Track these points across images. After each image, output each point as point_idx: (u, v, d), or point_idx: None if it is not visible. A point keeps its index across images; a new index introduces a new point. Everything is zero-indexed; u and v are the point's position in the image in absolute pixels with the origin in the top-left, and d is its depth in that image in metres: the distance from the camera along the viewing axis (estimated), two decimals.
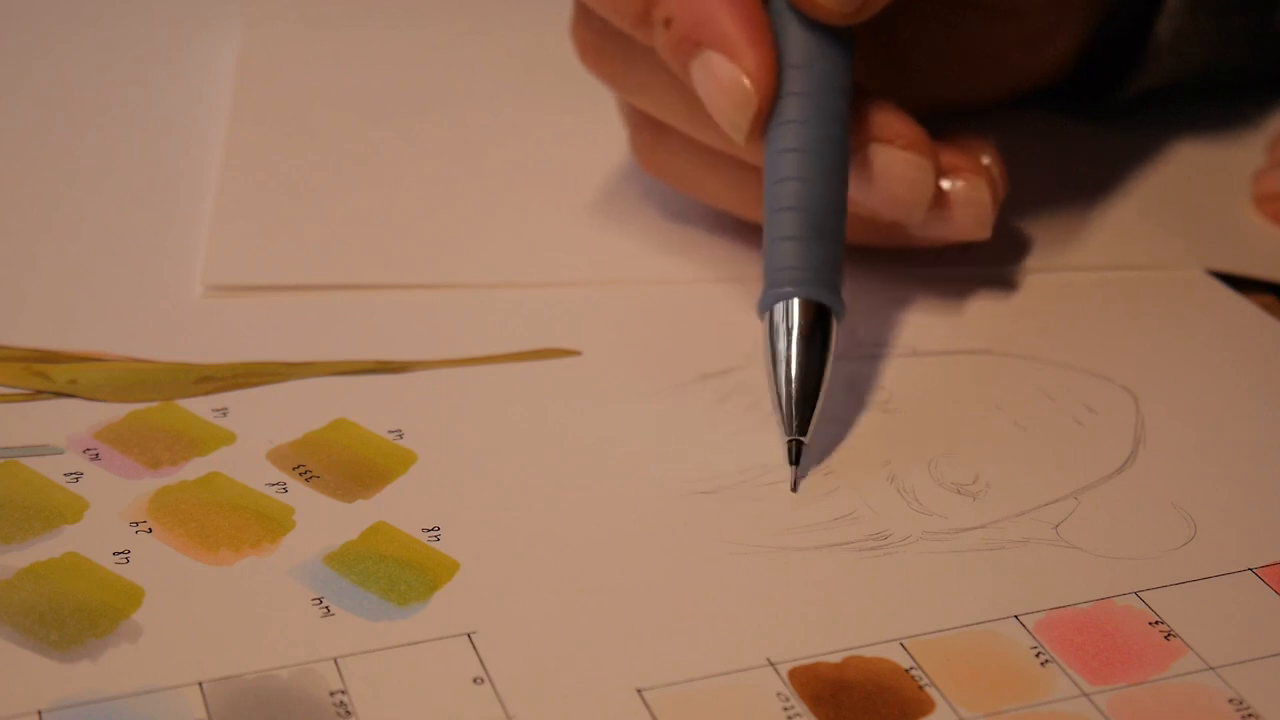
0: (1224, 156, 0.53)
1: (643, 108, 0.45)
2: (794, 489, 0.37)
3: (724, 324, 0.43)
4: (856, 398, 0.40)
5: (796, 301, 0.38)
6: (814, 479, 0.37)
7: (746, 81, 0.39)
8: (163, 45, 0.58)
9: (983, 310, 0.44)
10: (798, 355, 0.38)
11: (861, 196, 0.42)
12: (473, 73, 0.57)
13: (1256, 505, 0.37)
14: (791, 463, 0.37)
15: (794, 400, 0.37)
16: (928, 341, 0.43)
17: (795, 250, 0.39)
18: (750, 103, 0.39)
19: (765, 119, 0.40)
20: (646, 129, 0.45)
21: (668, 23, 0.41)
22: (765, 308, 0.38)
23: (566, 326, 0.43)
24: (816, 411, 0.37)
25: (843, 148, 0.40)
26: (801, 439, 0.37)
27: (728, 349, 0.42)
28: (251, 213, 0.47)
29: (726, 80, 0.40)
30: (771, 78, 0.40)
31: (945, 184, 0.42)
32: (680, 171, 0.45)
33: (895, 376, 0.41)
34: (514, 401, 0.40)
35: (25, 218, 0.47)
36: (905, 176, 0.41)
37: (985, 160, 0.43)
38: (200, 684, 0.31)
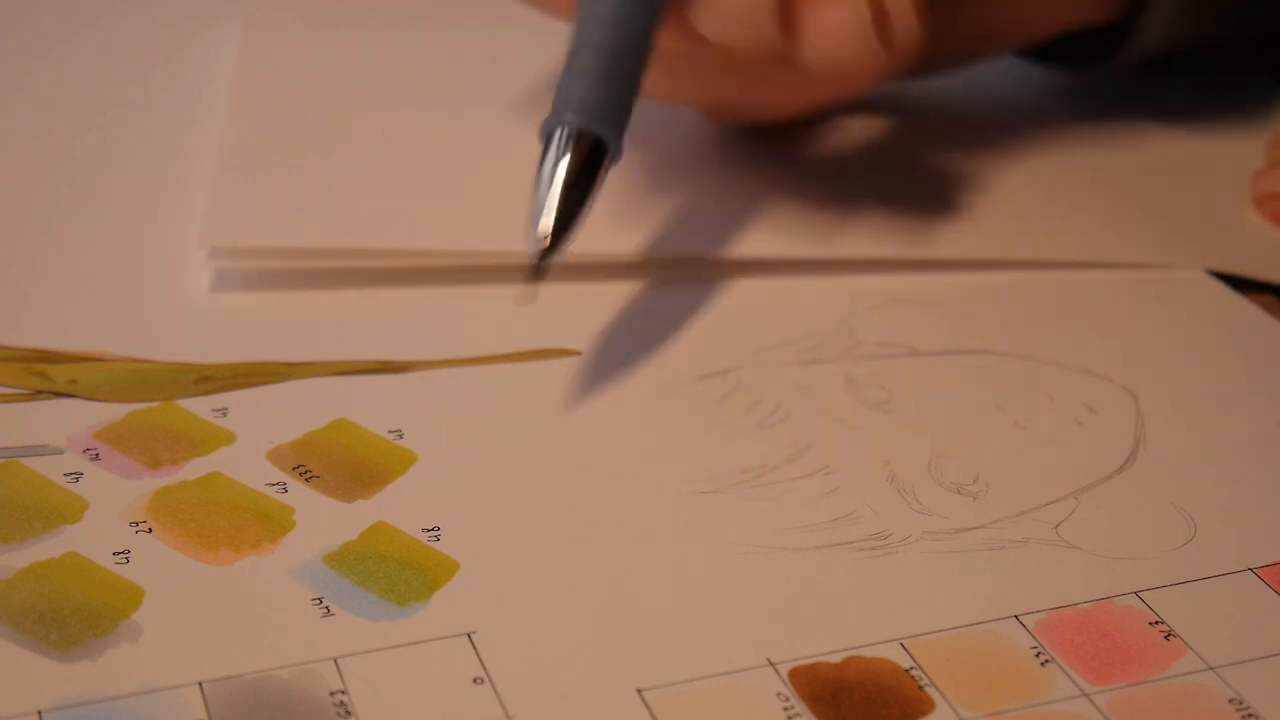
0: (1224, 156, 0.53)
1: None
2: (525, 302, 0.38)
3: (724, 324, 0.43)
4: (856, 398, 0.40)
5: (575, 129, 0.39)
6: (814, 479, 0.37)
7: None
8: (162, 45, 0.58)
9: (983, 310, 0.44)
10: (564, 175, 0.38)
11: (709, 33, 0.41)
12: (473, 66, 0.57)
13: (1256, 505, 0.37)
14: (533, 277, 0.38)
15: (551, 214, 0.38)
16: (928, 341, 0.43)
17: (587, 84, 0.39)
18: None
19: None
20: None
21: None
22: (545, 129, 0.39)
23: (566, 326, 0.43)
24: (567, 235, 0.38)
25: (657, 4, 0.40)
26: (548, 253, 0.38)
27: (728, 349, 0.42)
28: (251, 179, 0.47)
29: None
30: None
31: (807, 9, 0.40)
32: None
33: (895, 376, 0.41)
34: (514, 401, 0.40)
35: (25, 218, 0.47)
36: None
37: None
38: (200, 684, 0.31)
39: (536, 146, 0.39)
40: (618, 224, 0.46)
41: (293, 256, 0.44)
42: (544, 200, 0.38)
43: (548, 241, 0.38)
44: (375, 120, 0.52)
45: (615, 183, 0.45)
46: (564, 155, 0.38)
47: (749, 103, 0.44)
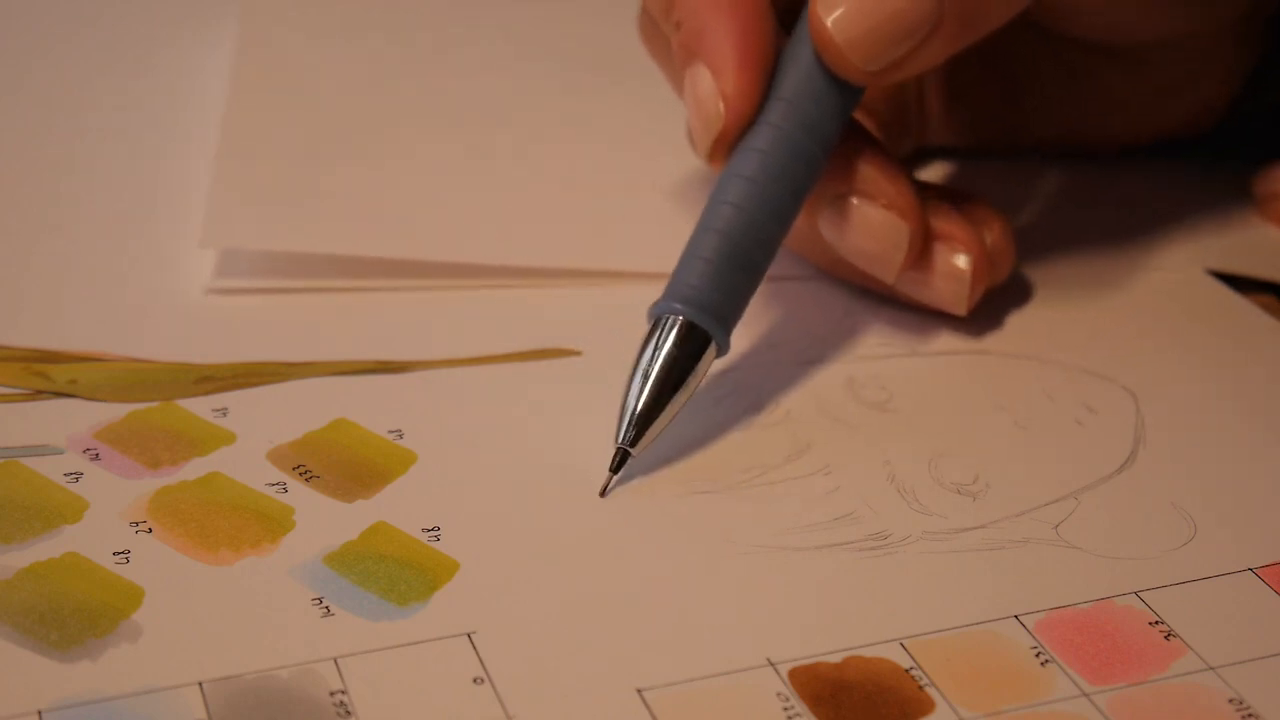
0: (1224, 156, 0.53)
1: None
2: (602, 494, 0.36)
3: None
4: (856, 398, 0.40)
5: (681, 320, 0.37)
6: (814, 479, 0.37)
7: (720, 103, 0.39)
8: (162, 45, 0.58)
9: (983, 310, 0.44)
10: (659, 371, 0.37)
11: (834, 243, 0.42)
12: (474, 69, 0.57)
13: (1256, 505, 0.37)
14: (611, 470, 0.37)
15: (635, 413, 0.37)
16: (928, 341, 0.43)
17: (705, 272, 0.38)
18: (716, 124, 0.39)
19: (729, 144, 0.39)
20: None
21: (678, 25, 0.41)
22: (652, 316, 0.38)
23: (566, 326, 0.43)
24: (653, 431, 0.37)
25: (797, 191, 0.39)
26: (629, 450, 0.37)
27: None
28: (251, 180, 0.47)
29: (704, 95, 0.39)
30: (746, 105, 0.39)
31: (938, 251, 0.42)
32: None
33: (895, 376, 0.41)
34: (514, 401, 0.40)
35: (25, 217, 0.47)
36: (877, 234, 0.41)
37: (987, 238, 0.42)
38: (200, 684, 0.31)
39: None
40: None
41: (292, 260, 0.44)
42: (630, 399, 0.37)
43: (632, 435, 0.37)
44: (375, 119, 0.52)
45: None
46: (664, 346, 0.37)
47: (848, 279, 0.45)
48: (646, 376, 0.37)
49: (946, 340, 0.43)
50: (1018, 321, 0.44)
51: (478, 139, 0.52)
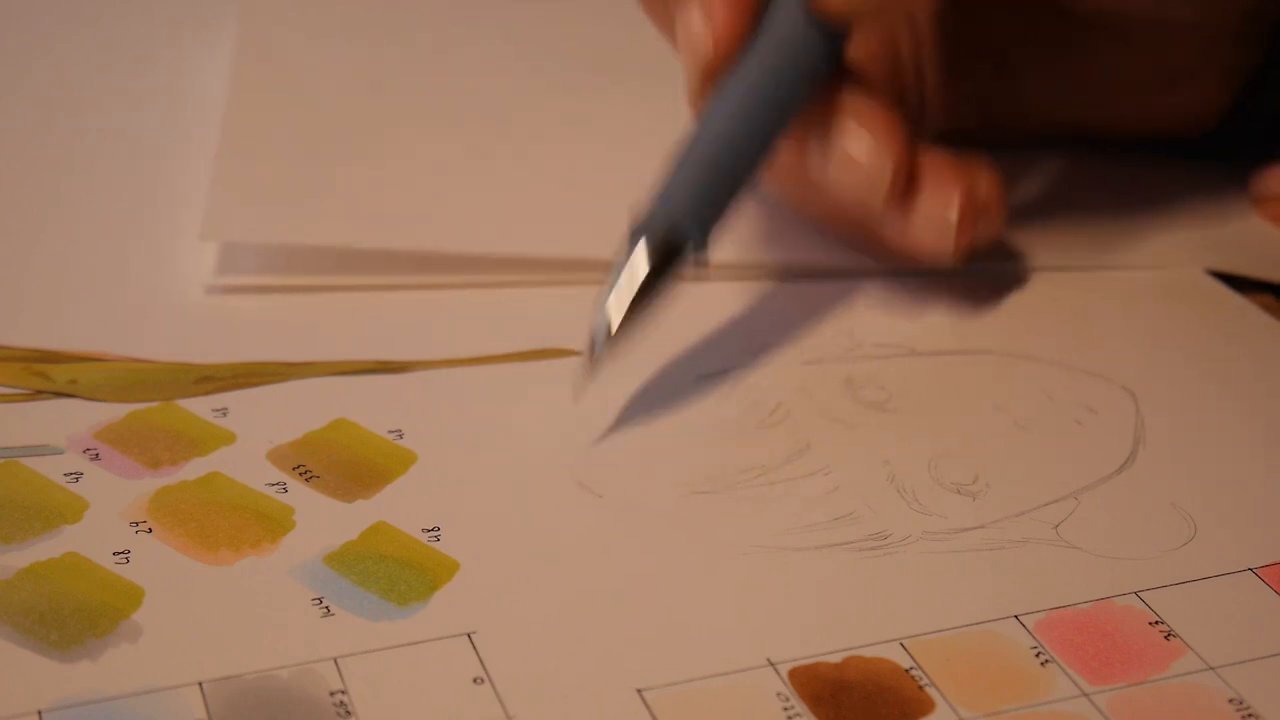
0: (1224, 156, 0.53)
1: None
2: (578, 396, 0.38)
3: (724, 324, 0.43)
4: (856, 398, 0.40)
5: (662, 227, 0.39)
6: (814, 479, 0.37)
7: (710, 40, 0.40)
8: (162, 45, 0.58)
9: (983, 310, 0.44)
10: (639, 275, 0.38)
11: (819, 176, 0.42)
12: (475, 61, 0.57)
13: (1256, 505, 0.37)
14: (586, 367, 0.38)
15: (610, 309, 0.38)
16: (928, 341, 0.43)
17: (685, 183, 0.39)
18: (703, 58, 0.40)
19: (713, 78, 0.40)
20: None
21: None
22: (632, 224, 0.39)
23: (566, 326, 0.43)
24: (628, 332, 0.38)
25: (776, 120, 0.40)
26: (606, 348, 0.38)
27: (728, 349, 0.42)
28: (251, 173, 0.47)
29: (694, 32, 0.40)
30: (730, 40, 0.40)
31: (924, 195, 0.42)
32: None
33: (895, 376, 0.41)
34: (514, 401, 0.40)
35: (25, 217, 0.47)
36: (860, 156, 0.41)
37: (980, 186, 0.42)
38: (200, 684, 0.31)
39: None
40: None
41: (292, 255, 0.44)
42: (612, 295, 0.38)
43: (608, 335, 0.38)
44: (375, 111, 0.52)
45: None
46: (641, 251, 0.39)
47: (836, 230, 0.45)
48: (624, 278, 0.38)
49: (946, 340, 0.43)
50: (1018, 321, 0.44)
51: (477, 135, 0.52)
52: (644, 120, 0.52)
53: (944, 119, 0.50)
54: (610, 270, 0.39)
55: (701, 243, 0.39)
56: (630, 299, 0.38)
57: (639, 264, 0.39)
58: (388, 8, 0.61)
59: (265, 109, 0.52)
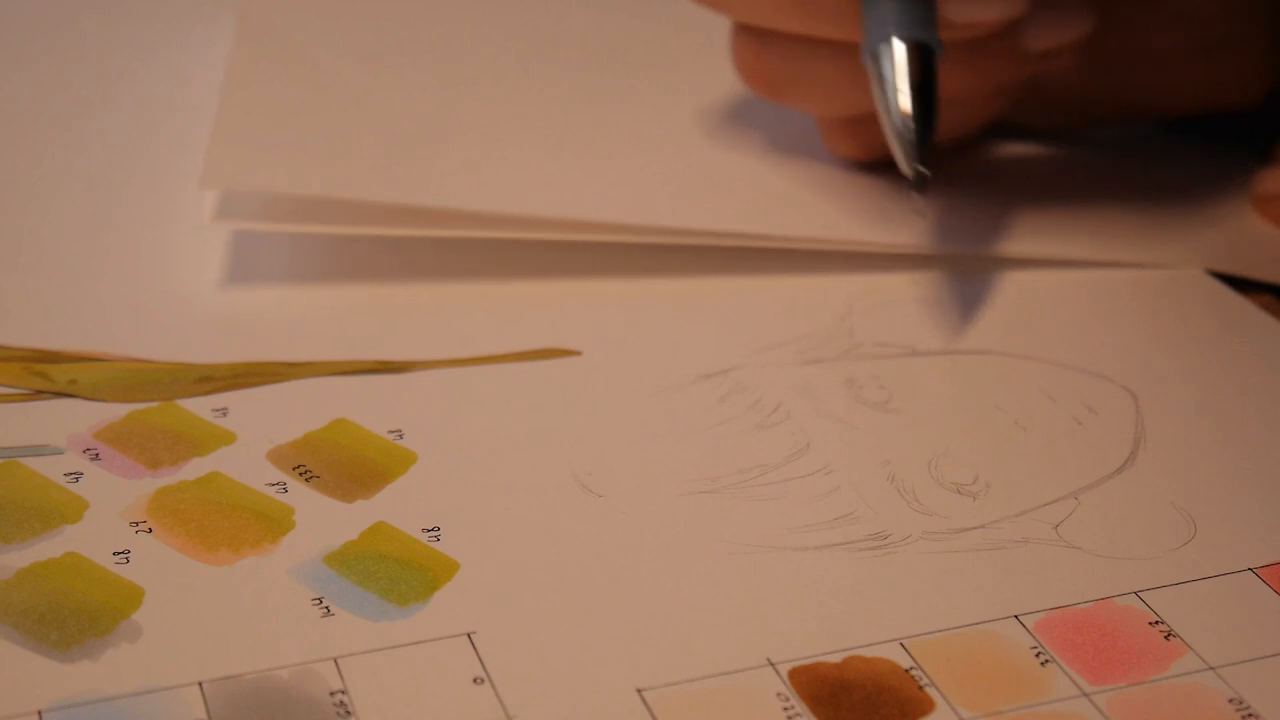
0: (1224, 156, 0.53)
1: (742, 18, 0.46)
2: (922, 214, 0.42)
3: (724, 324, 0.43)
4: (856, 398, 0.40)
5: (907, 39, 0.41)
6: (814, 479, 0.37)
7: None
8: (162, 45, 0.58)
9: (983, 310, 0.44)
10: (913, 83, 0.41)
11: None
12: (483, 19, 0.57)
13: (1256, 505, 0.37)
14: (916, 190, 0.40)
15: (913, 129, 0.41)
16: (928, 341, 0.43)
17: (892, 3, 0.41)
18: None
19: None
20: (751, 41, 0.46)
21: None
22: (874, 48, 0.41)
23: (566, 326, 0.43)
24: (933, 135, 0.40)
25: None
26: (921, 169, 0.40)
27: (728, 349, 0.42)
28: (253, 124, 0.48)
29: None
30: None
31: None
32: (790, 78, 0.46)
33: (895, 376, 0.41)
34: (514, 401, 0.40)
35: (25, 217, 0.47)
36: None
37: None
38: (200, 684, 0.31)
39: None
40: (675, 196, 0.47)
41: (296, 204, 0.44)
42: (903, 112, 0.41)
43: (922, 147, 0.40)
44: (379, 72, 0.52)
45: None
46: (902, 62, 0.41)
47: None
48: (905, 93, 0.41)
49: (946, 340, 0.43)
50: (1018, 321, 0.44)
51: (484, 89, 0.52)
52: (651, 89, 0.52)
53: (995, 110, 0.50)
54: (884, 95, 0.41)
55: (936, 39, 0.41)
56: (917, 106, 0.40)
57: (900, 58, 0.41)
58: (388, 10, 0.61)
59: (269, 61, 0.52)
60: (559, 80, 0.54)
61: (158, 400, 0.39)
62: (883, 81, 0.41)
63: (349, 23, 0.56)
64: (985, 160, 0.52)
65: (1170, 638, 0.33)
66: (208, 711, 0.30)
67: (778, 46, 0.46)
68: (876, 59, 0.42)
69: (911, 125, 0.41)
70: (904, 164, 0.41)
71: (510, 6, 0.58)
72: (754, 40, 0.46)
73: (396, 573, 0.34)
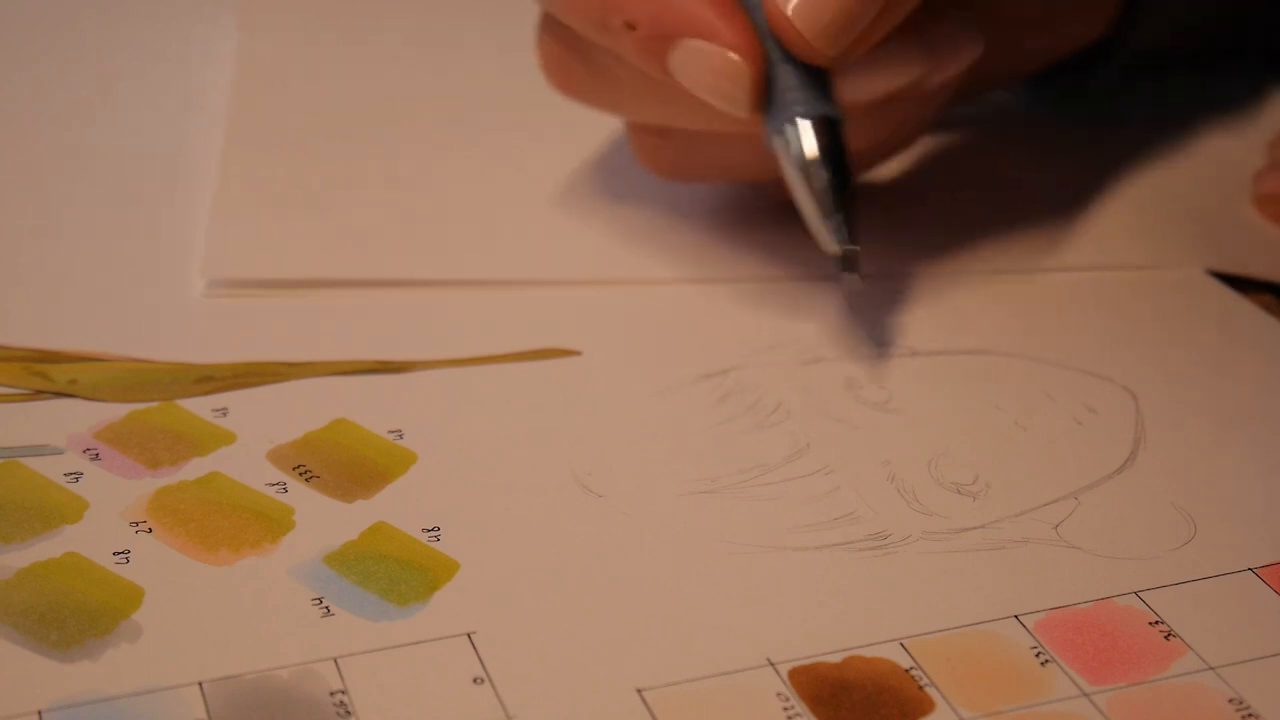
0: (1224, 156, 0.53)
1: (625, 117, 0.45)
2: (850, 297, 0.40)
3: (724, 324, 0.43)
4: (856, 398, 0.40)
5: (809, 116, 0.40)
6: (814, 479, 0.37)
7: (734, 55, 0.39)
8: (161, 43, 0.58)
9: (983, 310, 0.44)
10: (826, 163, 0.39)
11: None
12: (472, 74, 0.57)
13: (1256, 505, 0.37)
14: (849, 271, 0.39)
15: (832, 208, 0.39)
16: (928, 341, 0.43)
17: (792, 74, 0.40)
18: (744, 73, 0.39)
19: (763, 85, 0.40)
20: (648, 135, 0.45)
21: (631, 26, 0.40)
22: (776, 129, 0.40)
23: (566, 326, 0.43)
24: (855, 215, 0.39)
25: None
26: (854, 248, 0.39)
27: (728, 349, 0.42)
28: (251, 207, 0.47)
29: (713, 61, 0.39)
30: (757, 42, 0.39)
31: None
32: (692, 164, 0.45)
33: (895, 376, 0.41)
34: (514, 401, 0.40)
35: (25, 217, 0.47)
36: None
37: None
38: (200, 684, 0.31)
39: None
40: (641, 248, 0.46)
41: (293, 285, 0.44)
42: (822, 194, 0.39)
43: (846, 223, 0.39)
44: (375, 135, 0.52)
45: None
46: (810, 142, 0.40)
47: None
48: (816, 174, 0.39)
49: (946, 340, 0.43)
50: (1018, 321, 0.44)
51: (473, 153, 0.51)
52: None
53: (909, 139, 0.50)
54: (796, 174, 0.40)
55: (836, 109, 0.40)
56: (834, 187, 0.39)
57: (808, 139, 0.39)
58: (387, 11, 0.61)
59: (264, 133, 0.51)
60: (566, 145, 0.53)
61: (158, 400, 0.39)
62: (794, 163, 0.40)
63: (347, 91, 0.55)
64: (978, 170, 0.52)
65: (1170, 638, 0.33)
66: (208, 711, 0.30)
67: (676, 138, 0.44)
68: (785, 139, 0.40)
69: (831, 202, 0.39)
70: (828, 244, 0.40)
71: (513, 69, 0.57)
72: (652, 134, 0.45)
73: (396, 573, 0.34)
